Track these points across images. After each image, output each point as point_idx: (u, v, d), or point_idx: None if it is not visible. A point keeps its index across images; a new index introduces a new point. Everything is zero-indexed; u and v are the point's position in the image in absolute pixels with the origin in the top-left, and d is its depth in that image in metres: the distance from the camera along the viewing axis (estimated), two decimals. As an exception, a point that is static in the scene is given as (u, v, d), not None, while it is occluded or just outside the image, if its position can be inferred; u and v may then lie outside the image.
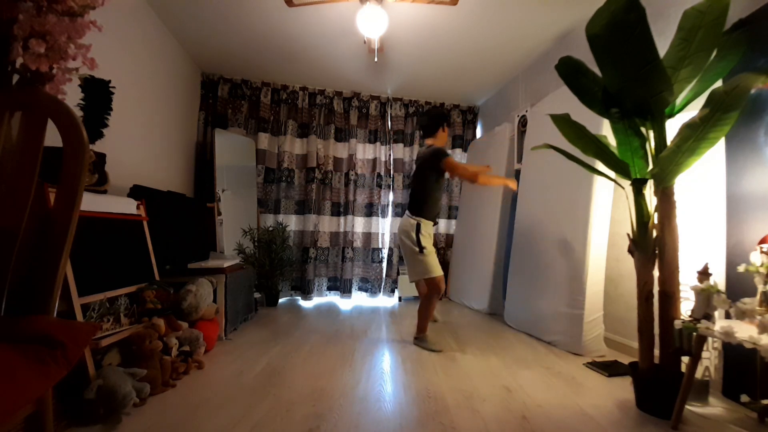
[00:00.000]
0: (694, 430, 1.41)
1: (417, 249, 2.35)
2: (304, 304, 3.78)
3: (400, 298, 4.01)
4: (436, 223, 2.54)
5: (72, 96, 1.13)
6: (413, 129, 4.31)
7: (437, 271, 2.36)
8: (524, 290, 2.82)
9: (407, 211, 2.47)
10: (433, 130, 2.49)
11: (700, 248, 1.80)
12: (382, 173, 4.22)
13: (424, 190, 2.42)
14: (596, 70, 1.61)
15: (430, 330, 2.47)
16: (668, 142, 1.49)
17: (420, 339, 2.41)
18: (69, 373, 0.73)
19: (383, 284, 4.16)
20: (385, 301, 4.01)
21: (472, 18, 2.68)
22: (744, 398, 1.43)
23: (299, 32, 2.94)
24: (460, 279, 3.92)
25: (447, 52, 3.20)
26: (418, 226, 2.37)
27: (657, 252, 1.59)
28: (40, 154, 0.82)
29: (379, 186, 4.20)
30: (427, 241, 2.38)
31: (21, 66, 0.79)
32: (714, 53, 1.53)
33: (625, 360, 2.09)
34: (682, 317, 1.52)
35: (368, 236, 4.17)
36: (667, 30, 1.78)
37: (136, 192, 2.26)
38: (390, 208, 4.27)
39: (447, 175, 2.46)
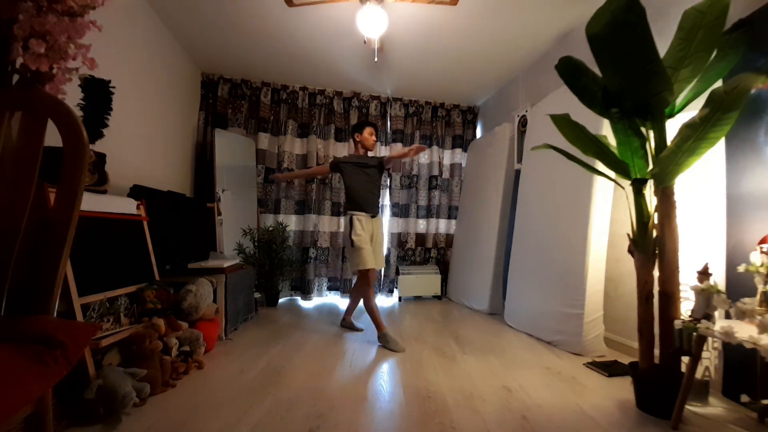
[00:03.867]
0: (694, 430, 1.41)
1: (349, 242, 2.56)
2: (304, 304, 3.78)
3: (400, 298, 4.01)
4: (373, 215, 2.68)
5: (72, 96, 1.13)
6: (413, 129, 4.31)
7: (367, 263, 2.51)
8: (524, 290, 2.82)
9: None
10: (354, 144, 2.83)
11: (700, 248, 1.80)
12: (382, 173, 4.22)
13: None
14: (596, 70, 1.61)
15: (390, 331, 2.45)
16: (668, 142, 1.49)
17: (380, 337, 2.41)
18: (69, 373, 0.73)
19: (383, 284, 4.17)
20: (385, 300, 4.01)
21: (472, 18, 2.68)
22: (744, 398, 1.43)
23: (299, 32, 2.94)
24: (460, 279, 3.92)
25: (447, 52, 3.20)
26: (350, 219, 2.59)
27: (657, 252, 1.59)
28: (40, 154, 0.82)
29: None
30: (358, 237, 2.55)
31: (21, 66, 0.79)
32: (714, 53, 1.53)
33: (625, 360, 2.09)
34: (682, 317, 1.52)
35: (368, 236, 4.17)
36: (667, 30, 1.78)
37: (136, 192, 2.26)
38: (388, 208, 4.27)
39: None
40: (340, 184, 4.10)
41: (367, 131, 2.77)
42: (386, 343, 2.36)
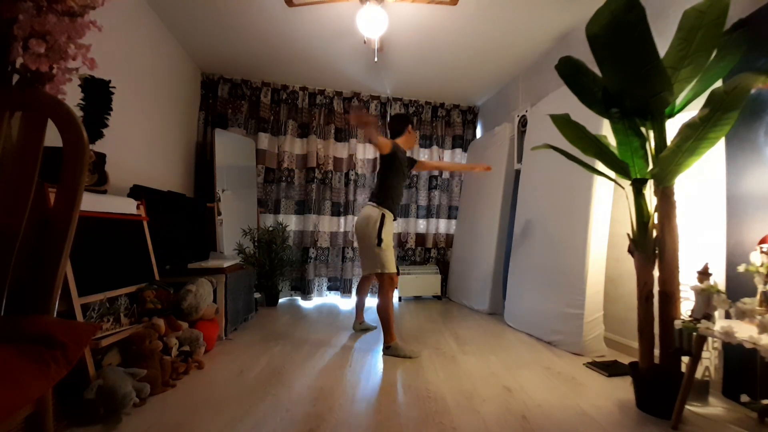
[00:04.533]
0: (694, 430, 1.41)
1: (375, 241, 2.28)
2: (304, 304, 3.78)
3: (400, 298, 4.01)
4: (395, 219, 2.50)
5: (72, 96, 1.13)
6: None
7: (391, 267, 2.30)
8: (524, 290, 2.82)
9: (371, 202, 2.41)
10: (400, 131, 2.52)
11: (700, 248, 1.80)
12: (382, 173, 4.22)
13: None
14: (596, 70, 1.61)
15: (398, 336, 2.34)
16: (668, 142, 1.49)
17: (389, 348, 2.21)
18: (69, 373, 0.73)
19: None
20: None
21: (472, 18, 2.68)
22: (744, 398, 1.43)
23: (299, 32, 2.94)
24: (460, 279, 3.92)
25: (447, 52, 3.20)
26: (383, 217, 2.32)
27: (657, 252, 1.59)
28: (40, 154, 0.82)
29: (379, 186, 4.20)
30: (387, 234, 2.32)
31: (21, 66, 0.79)
32: (714, 53, 1.53)
33: (625, 360, 2.09)
34: (682, 317, 1.52)
35: (368, 236, 4.17)
36: (667, 30, 1.78)
37: (136, 192, 2.26)
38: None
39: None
40: (340, 184, 4.11)
41: (414, 129, 2.57)
42: (397, 353, 2.17)
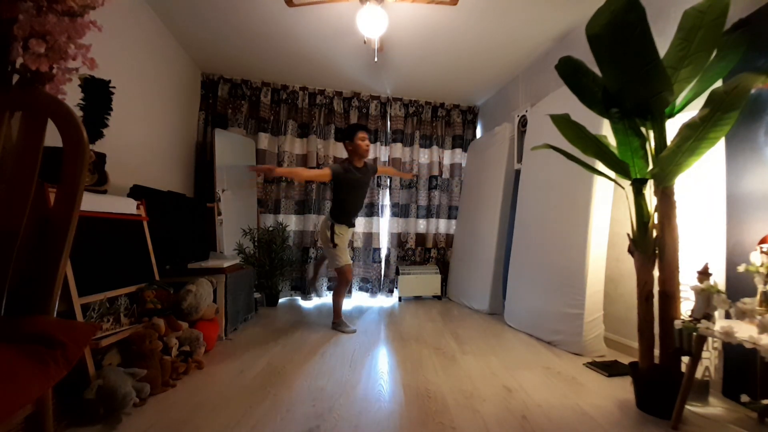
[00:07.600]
0: (694, 430, 1.41)
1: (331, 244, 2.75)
2: (304, 304, 3.78)
3: (400, 298, 4.01)
4: (352, 225, 2.88)
5: (72, 96, 1.13)
6: (413, 129, 4.31)
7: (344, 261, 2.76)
8: (524, 290, 2.82)
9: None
10: (346, 147, 2.79)
11: (700, 248, 1.80)
12: (382, 173, 4.23)
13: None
14: (596, 70, 1.61)
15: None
16: (668, 142, 1.49)
17: (337, 324, 2.77)
18: (69, 373, 0.73)
19: (383, 284, 4.17)
20: (385, 300, 4.01)
21: (472, 18, 2.68)
22: (744, 398, 1.43)
23: (299, 32, 2.94)
24: (460, 279, 3.92)
25: (447, 52, 3.20)
26: (332, 226, 2.75)
27: (657, 252, 1.59)
28: (40, 154, 0.82)
29: (380, 186, 4.21)
30: (339, 239, 2.75)
31: (21, 66, 0.79)
32: (714, 53, 1.52)
33: (625, 360, 2.09)
34: (682, 317, 1.52)
35: (369, 236, 4.17)
36: (667, 30, 1.78)
37: (136, 192, 2.26)
38: (388, 208, 4.28)
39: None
40: (340, 184, 4.11)
41: (359, 136, 2.68)
42: (339, 328, 2.73)
